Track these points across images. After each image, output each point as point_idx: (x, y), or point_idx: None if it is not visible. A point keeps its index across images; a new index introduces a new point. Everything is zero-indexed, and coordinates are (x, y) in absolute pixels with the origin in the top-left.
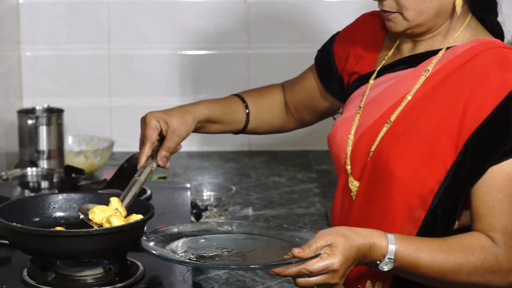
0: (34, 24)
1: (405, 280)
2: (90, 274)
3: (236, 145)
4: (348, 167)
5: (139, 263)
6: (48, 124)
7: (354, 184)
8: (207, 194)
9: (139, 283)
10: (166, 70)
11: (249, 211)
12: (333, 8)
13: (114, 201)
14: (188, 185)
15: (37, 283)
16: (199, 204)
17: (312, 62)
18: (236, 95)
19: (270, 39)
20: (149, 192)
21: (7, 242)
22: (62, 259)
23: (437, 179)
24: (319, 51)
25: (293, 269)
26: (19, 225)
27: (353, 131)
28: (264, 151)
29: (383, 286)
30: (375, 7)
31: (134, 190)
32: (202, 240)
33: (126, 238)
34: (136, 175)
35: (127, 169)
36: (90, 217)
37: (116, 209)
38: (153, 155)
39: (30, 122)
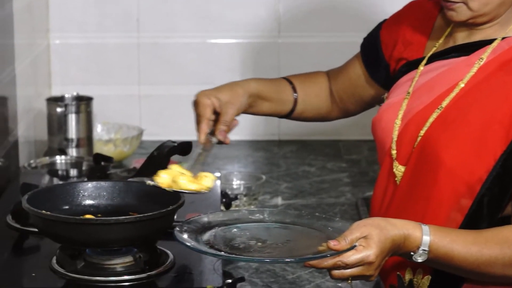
0: (64, 12)
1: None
2: (120, 263)
3: (266, 134)
4: (394, 152)
5: (169, 252)
6: (77, 112)
7: (399, 169)
8: (237, 183)
9: (168, 271)
10: (196, 59)
11: (279, 201)
12: None
13: (175, 167)
14: (218, 174)
15: (66, 271)
16: (229, 193)
17: (344, 51)
18: (283, 77)
19: (301, 28)
20: None
21: (36, 230)
22: (92, 247)
23: (486, 168)
24: (365, 39)
25: (329, 262)
26: (49, 212)
27: (400, 116)
28: (294, 140)
29: (424, 274)
30: None
31: (201, 159)
32: (235, 229)
33: (156, 226)
34: (198, 149)
35: (157, 157)
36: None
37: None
38: (211, 133)
39: (59, 110)
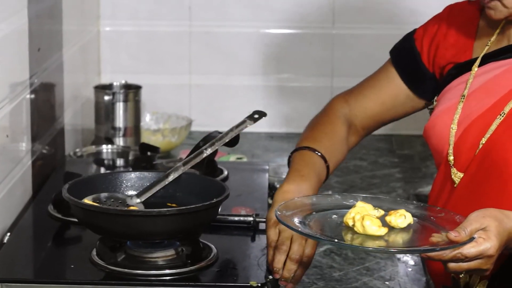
0: None
1: (504, 274)
2: (161, 256)
3: None
4: (451, 158)
5: (212, 246)
6: (125, 100)
7: (457, 176)
8: None
9: (211, 266)
10: (248, 49)
11: None
12: None
13: (360, 204)
14: (267, 167)
15: (106, 264)
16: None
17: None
18: (314, 151)
19: (355, 20)
20: (226, 172)
21: (76, 220)
22: (133, 239)
23: None
24: (398, 56)
25: (449, 254)
26: (90, 203)
27: (456, 121)
28: None
29: (481, 278)
30: None
31: None
32: (335, 216)
33: (200, 219)
34: None
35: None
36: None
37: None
38: None
39: (106, 98)
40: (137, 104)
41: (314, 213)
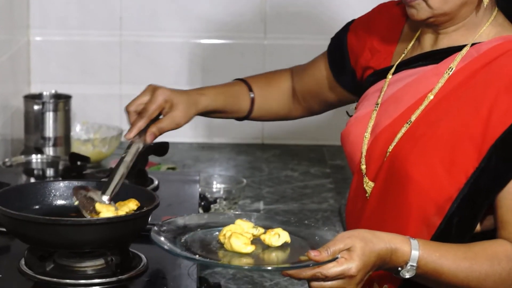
0: (45, 8)
1: (413, 284)
2: (91, 265)
3: (248, 137)
4: (363, 167)
5: (142, 255)
6: (55, 110)
7: (369, 185)
8: (217, 187)
9: (141, 275)
10: (179, 59)
11: (260, 205)
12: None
13: (240, 222)
14: (198, 177)
15: (34, 273)
16: (208, 196)
17: None
18: (243, 80)
19: (287, 30)
20: (156, 182)
21: (4, 229)
22: (62, 249)
23: (457, 186)
24: (332, 40)
25: (307, 272)
26: (17, 212)
27: (369, 130)
28: (278, 144)
29: None
30: None
31: (121, 171)
32: (217, 233)
33: (130, 228)
34: (122, 154)
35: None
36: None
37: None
38: (141, 133)
39: (36, 107)
40: (67, 114)
41: (198, 229)
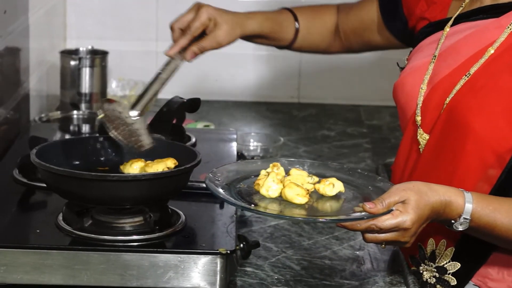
0: None
1: (470, 240)
2: (129, 222)
3: (285, 96)
4: (418, 118)
5: (180, 212)
6: (92, 66)
7: (423, 137)
8: (254, 145)
9: (180, 233)
10: None
11: None
12: None
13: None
14: (235, 135)
15: (73, 229)
16: (245, 154)
17: None
18: (290, 10)
19: None
20: (194, 139)
21: (43, 185)
22: (103, 205)
23: None
24: None
25: (362, 225)
26: (58, 167)
27: (426, 81)
28: (314, 103)
29: (447, 245)
30: None
31: (155, 87)
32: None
33: (173, 185)
34: (158, 70)
35: (167, 113)
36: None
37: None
38: (181, 51)
39: (72, 63)
40: (104, 70)
41: (252, 177)
